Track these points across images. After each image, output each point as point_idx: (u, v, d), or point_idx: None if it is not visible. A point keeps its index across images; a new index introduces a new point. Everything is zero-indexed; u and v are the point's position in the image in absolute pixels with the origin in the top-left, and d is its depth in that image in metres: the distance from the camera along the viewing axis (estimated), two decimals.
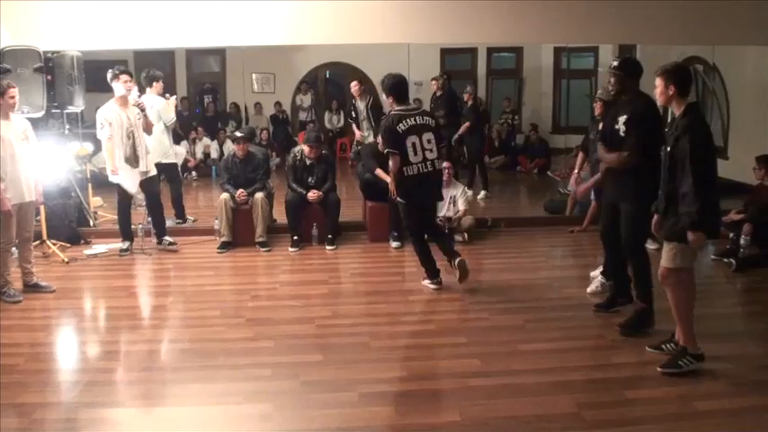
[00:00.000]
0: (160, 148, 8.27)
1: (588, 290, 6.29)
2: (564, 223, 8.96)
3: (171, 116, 8.49)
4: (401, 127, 6.06)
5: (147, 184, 7.74)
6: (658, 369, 4.51)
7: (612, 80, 5.25)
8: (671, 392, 4.27)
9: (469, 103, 10.94)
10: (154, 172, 7.82)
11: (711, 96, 11.60)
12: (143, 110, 7.55)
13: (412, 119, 6.12)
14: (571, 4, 8.56)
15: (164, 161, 8.37)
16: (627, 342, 5.08)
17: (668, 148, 4.49)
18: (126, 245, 7.74)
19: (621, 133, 5.15)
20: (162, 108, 8.33)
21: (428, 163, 6.12)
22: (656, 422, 3.96)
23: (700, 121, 4.48)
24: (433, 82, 11.07)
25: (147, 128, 7.68)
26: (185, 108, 14.69)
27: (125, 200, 7.67)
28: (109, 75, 7.47)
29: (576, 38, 9.65)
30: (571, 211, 9.22)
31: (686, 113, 4.44)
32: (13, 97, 6.06)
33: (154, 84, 8.49)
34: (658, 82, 4.50)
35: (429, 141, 6.11)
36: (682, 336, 4.57)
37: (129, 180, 7.50)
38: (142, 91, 8.33)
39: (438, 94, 11.02)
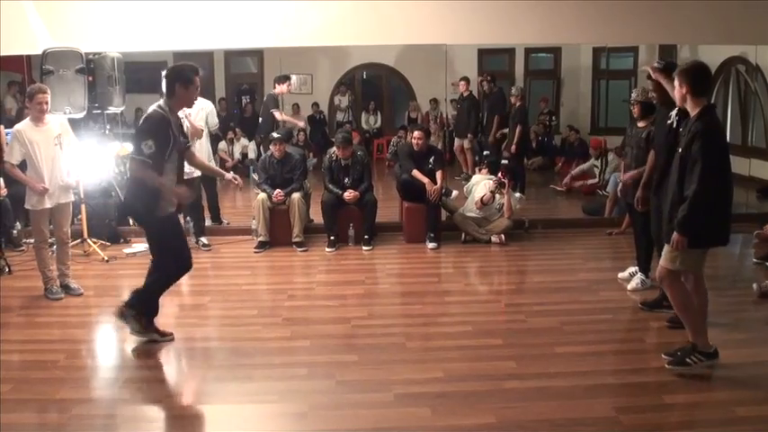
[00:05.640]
0: (205, 153, 8.29)
1: (629, 287, 6.32)
2: (602, 225, 8.88)
3: (216, 121, 8.50)
4: None
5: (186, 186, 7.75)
6: (666, 365, 4.54)
7: None
8: (710, 397, 4.20)
9: (517, 104, 10.73)
10: (197, 173, 7.82)
11: (754, 97, 11.42)
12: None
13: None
14: (610, 3, 8.47)
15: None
16: (666, 346, 4.99)
17: (679, 150, 4.41)
18: None
19: None
20: (211, 112, 8.38)
21: None
22: (694, 428, 3.91)
23: (715, 126, 4.39)
24: (462, 83, 12.08)
25: (195, 132, 7.58)
26: (223, 108, 14.79)
27: None
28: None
29: (615, 38, 9.54)
30: (610, 213, 9.13)
31: (701, 116, 4.32)
32: (40, 103, 5.99)
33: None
34: (675, 82, 4.45)
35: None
36: (690, 333, 4.54)
37: None
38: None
39: (465, 94, 12.13)
